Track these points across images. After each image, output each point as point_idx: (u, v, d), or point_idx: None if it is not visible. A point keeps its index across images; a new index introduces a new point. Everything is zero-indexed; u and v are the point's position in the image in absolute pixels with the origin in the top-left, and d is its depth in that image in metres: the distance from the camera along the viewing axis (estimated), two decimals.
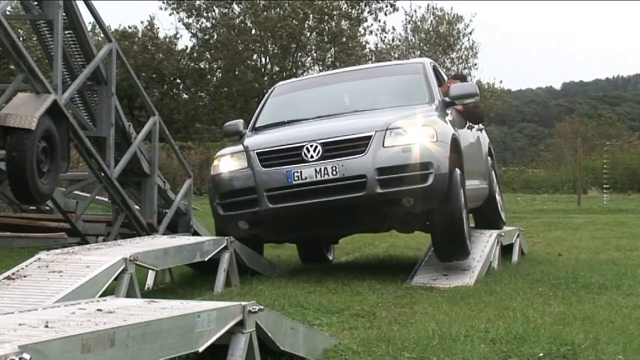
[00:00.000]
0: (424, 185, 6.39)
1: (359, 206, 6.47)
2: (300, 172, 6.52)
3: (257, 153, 6.78)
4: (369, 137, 6.53)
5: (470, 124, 8.31)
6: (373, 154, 6.45)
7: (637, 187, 25.38)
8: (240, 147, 7.04)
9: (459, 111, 7.89)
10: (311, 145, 6.58)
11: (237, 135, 7.74)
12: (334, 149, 6.55)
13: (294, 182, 6.52)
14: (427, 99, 7.55)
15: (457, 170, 6.76)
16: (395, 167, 6.42)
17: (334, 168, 6.46)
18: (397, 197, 6.41)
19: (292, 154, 6.63)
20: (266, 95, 8.61)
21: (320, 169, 6.48)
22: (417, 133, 6.56)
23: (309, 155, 6.56)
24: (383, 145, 6.49)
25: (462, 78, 9.17)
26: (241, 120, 7.97)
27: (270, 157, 6.72)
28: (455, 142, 6.90)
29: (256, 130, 7.79)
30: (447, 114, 7.41)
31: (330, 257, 9.32)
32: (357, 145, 6.53)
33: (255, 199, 6.65)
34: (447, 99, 7.58)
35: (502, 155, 54.30)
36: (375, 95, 8.15)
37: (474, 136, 8.44)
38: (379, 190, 6.39)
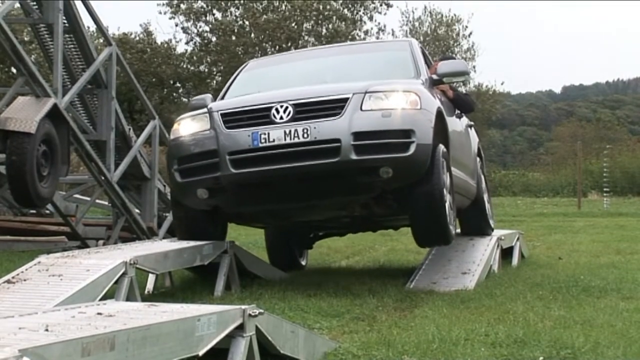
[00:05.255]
0: (404, 154, 5.78)
1: (332, 174, 5.83)
2: (268, 134, 5.88)
3: (221, 114, 6.14)
4: (346, 100, 5.91)
5: (460, 112, 7.83)
6: (349, 117, 5.82)
7: (637, 190, 25.39)
8: (203, 110, 6.39)
9: (448, 98, 7.46)
10: (281, 106, 5.94)
11: None
12: (307, 110, 5.92)
13: (261, 145, 5.88)
14: (412, 74, 6.96)
15: (442, 146, 6.19)
16: (373, 133, 5.80)
17: (305, 131, 5.82)
18: (374, 165, 5.78)
19: (260, 115, 6.00)
20: (239, 69, 7.89)
21: (290, 132, 5.83)
22: (399, 98, 5.97)
23: (278, 117, 5.91)
24: (361, 109, 5.88)
25: (450, 59, 8.31)
26: (209, 95, 7.13)
27: (236, 118, 6.10)
28: (440, 116, 6.31)
29: None
30: (435, 92, 6.83)
31: (304, 263, 8.74)
32: (332, 107, 5.90)
33: (217, 163, 5.98)
34: (434, 76, 7.00)
35: (502, 158, 54.38)
36: (358, 69, 7.42)
37: (462, 127, 7.93)
38: (354, 157, 5.74)
